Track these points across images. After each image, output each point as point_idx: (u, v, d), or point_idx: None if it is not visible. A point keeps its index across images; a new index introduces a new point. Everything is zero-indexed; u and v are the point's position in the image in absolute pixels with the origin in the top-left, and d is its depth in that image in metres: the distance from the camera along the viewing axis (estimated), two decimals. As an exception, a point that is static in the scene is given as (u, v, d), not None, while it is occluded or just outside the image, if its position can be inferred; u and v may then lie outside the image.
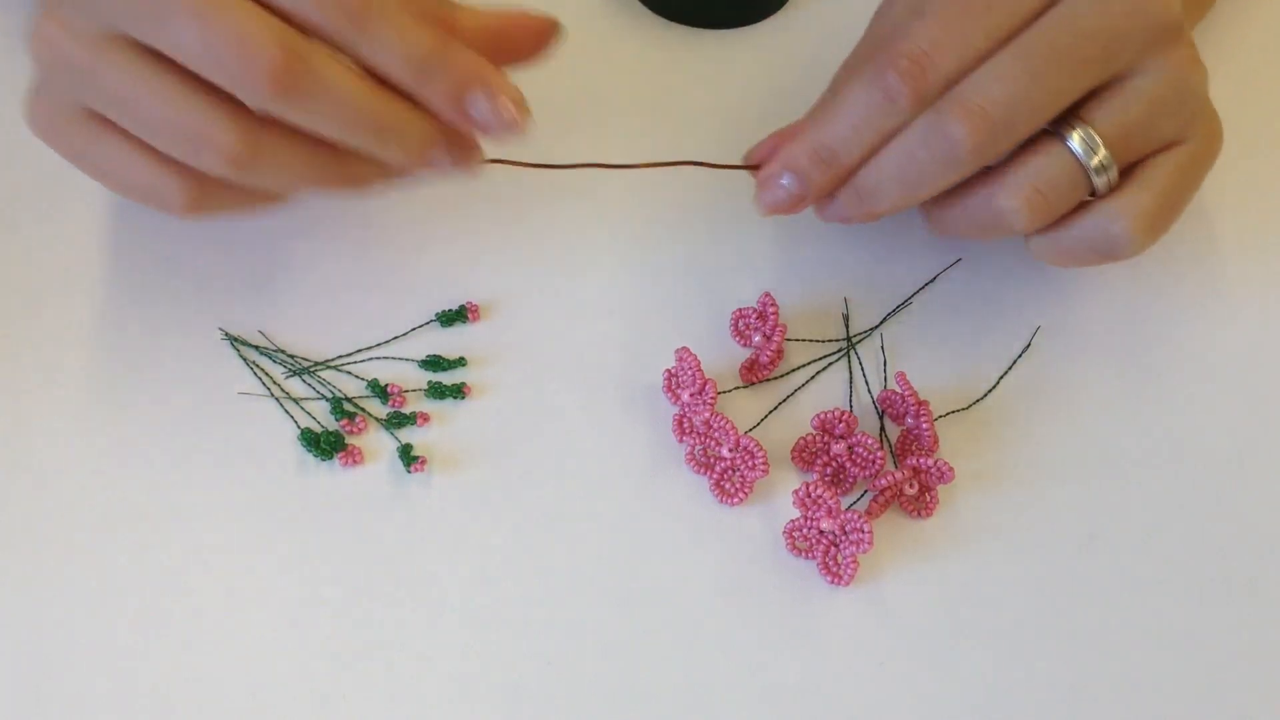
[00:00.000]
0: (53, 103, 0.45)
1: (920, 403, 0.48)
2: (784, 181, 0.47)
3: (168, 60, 0.42)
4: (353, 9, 0.42)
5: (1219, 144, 0.47)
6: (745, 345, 0.51)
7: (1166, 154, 0.46)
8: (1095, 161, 0.45)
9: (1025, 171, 0.45)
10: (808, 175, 0.46)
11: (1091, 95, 0.45)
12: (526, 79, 0.55)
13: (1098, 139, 0.44)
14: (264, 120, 0.43)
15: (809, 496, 0.46)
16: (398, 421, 0.49)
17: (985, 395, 0.50)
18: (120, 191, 0.46)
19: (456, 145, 0.45)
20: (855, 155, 0.45)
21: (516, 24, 0.46)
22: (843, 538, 0.46)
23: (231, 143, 0.43)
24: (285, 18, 0.42)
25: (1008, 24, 0.44)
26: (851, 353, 0.51)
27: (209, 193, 0.45)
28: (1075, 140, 0.44)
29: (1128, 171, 0.45)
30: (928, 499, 0.48)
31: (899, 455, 0.49)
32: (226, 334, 0.50)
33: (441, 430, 0.49)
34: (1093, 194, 0.46)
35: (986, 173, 0.45)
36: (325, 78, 0.42)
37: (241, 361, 0.50)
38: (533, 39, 0.47)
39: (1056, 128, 0.45)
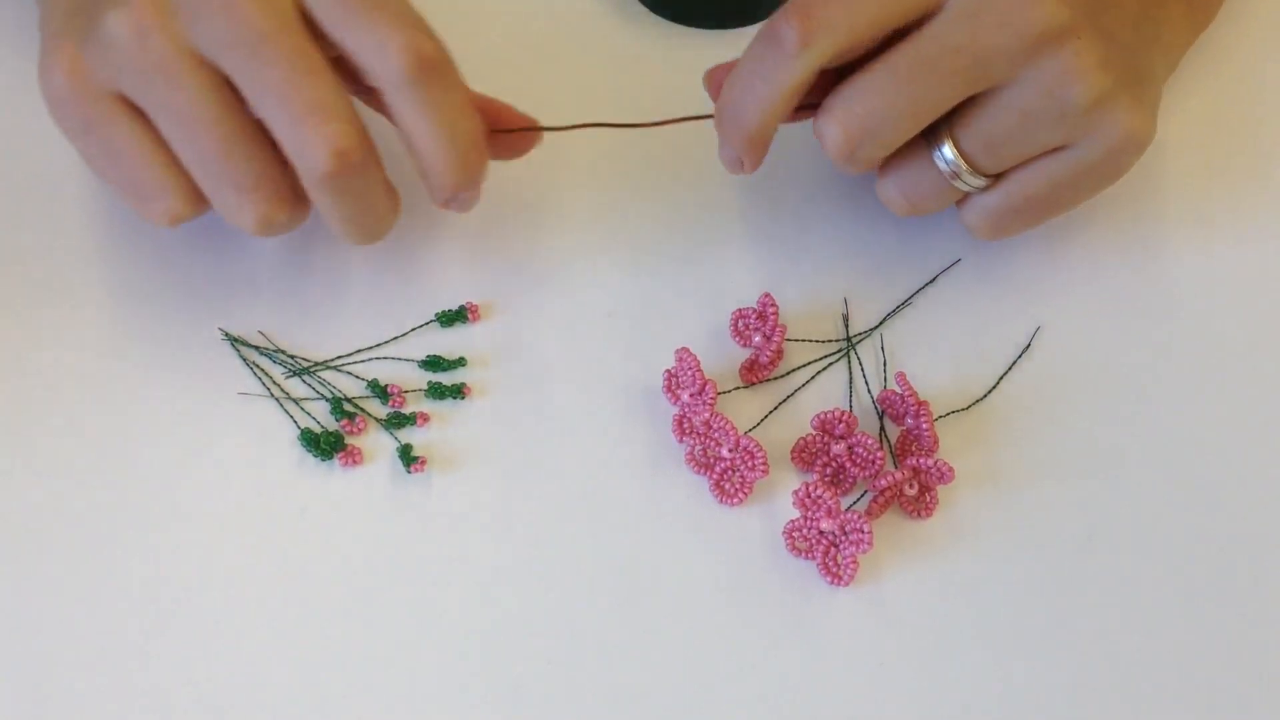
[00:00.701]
0: (93, 76, 0.44)
1: (920, 403, 0.48)
2: (724, 153, 0.48)
3: (239, 101, 0.43)
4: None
5: (1127, 146, 0.46)
6: (745, 345, 0.51)
7: (1040, 161, 0.47)
8: (961, 178, 0.47)
9: (896, 171, 0.48)
10: (728, 138, 0.47)
11: (969, 102, 0.46)
12: (527, 79, 0.55)
13: (953, 152, 0.47)
14: (301, 196, 0.45)
15: (809, 497, 0.46)
16: (398, 422, 0.49)
17: (985, 395, 0.50)
18: (113, 181, 0.46)
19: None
20: (756, 113, 0.46)
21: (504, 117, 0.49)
22: (843, 538, 0.46)
23: (269, 204, 0.45)
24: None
25: (896, 9, 0.44)
26: (851, 353, 0.51)
27: (193, 216, 0.46)
28: (942, 153, 0.47)
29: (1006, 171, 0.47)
30: (928, 499, 0.48)
31: (899, 455, 0.49)
32: (226, 334, 0.50)
33: (441, 430, 0.49)
34: (965, 193, 0.48)
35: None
36: (370, 178, 0.44)
37: (241, 362, 0.50)
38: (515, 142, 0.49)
39: (929, 137, 0.47)
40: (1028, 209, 0.48)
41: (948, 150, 0.46)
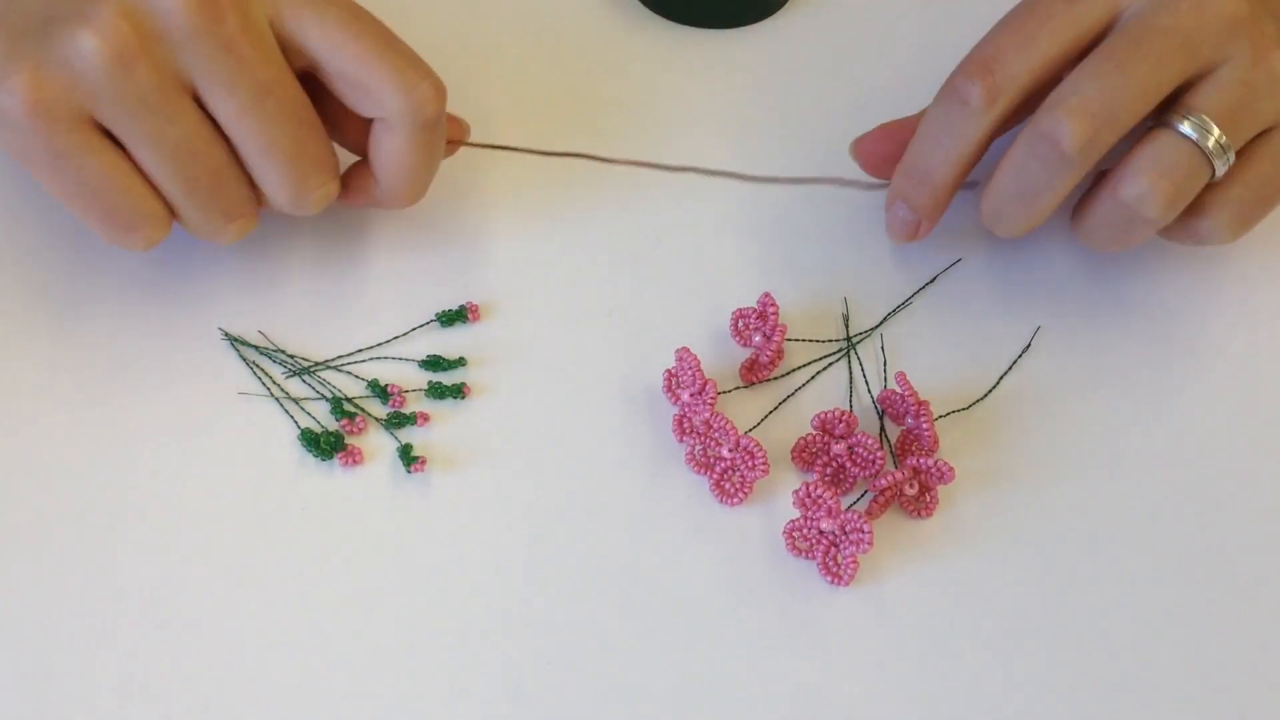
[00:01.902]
0: (64, 99, 0.42)
1: (920, 403, 0.48)
2: (899, 211, 0.50)
3: (221, 133, 0.45)
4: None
5: None
6: (745, 345, 0.51)
7: (1263, 140, 0.47)
8: (1211, 143, 0.45)
9: (1143, 159, 0.45)
10: (914, 200, 0.49)
11: (1185, 88, 0.46)
12: (527, 77, 0.55)
13: (1208, 120, 0.45)
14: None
15: (809, 496, 0.46)
16: (398, 421, 0.49)
17: (985, 395, 0.50)
18: (84, 211, 0.45)
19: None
20: (948, 171, 0.47)
21: None
22: (843, 538, 0.46)
23: (243, 228, 0.47)
24: None
25: (1071, 30, 0.45)
26: (851, 353, 0.51)
27: (163, 236, 0.47)
28: (1186, 126, 0.45)
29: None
30: (928, 499, 0.48)
31: (899, 455, 0.49)
32: (226, 334, 0.50)
33: (441, 430, 0.49)
34: (1212, 177, 0.46)
35: (1106, 175, 0.47)
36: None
37: (241, 362, 0.50)
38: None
39: (1163, 119, 0.46)
40: (1267, 193, 0.47)
41: (1200, 119, 0.45)
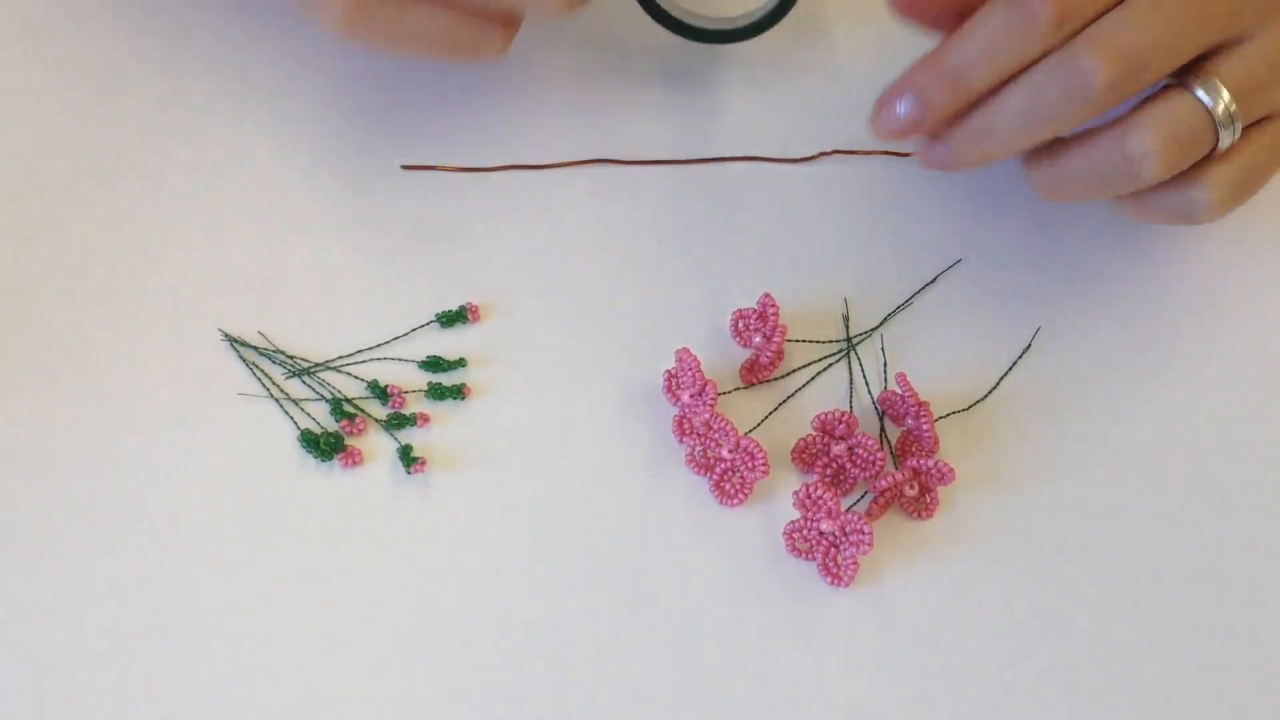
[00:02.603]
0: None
1: (920, 403, 0.48)
2: (902, 103, 0.45)
3: None
4: None
5: None
6: (745, 346, 0.51)
7: (1266, 125, 0.46)
8: (1221, 110, 0.44)
9: (1156, 116, 0.44)
10: (929, 96, 0.45)
11: (1212, 53, 0.45)
12: (527, 74, 0.55)
13: (1223, 89, 0.44)
14: None
15: (809, 497, 0.46)
16: (398, 422, 0.49)
17: (986, 396, 0.50)
18: (440, 54, 0.49)
19: None
20: (985, 80, 0.44)
21: None
22: (843, 539, 0.46)
23: None
24: None
25: None
26: (851, 353, 0.51)
27: (516, 27, 0.49)
28: (1201, 90, 0.44)
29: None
30: (928, 500, 0.48)
31: (899, 456, 0.49)
32: (226, 335, 0.50)
33: (441, 431, 0.49)
34: (1214, 149, 0.45)
35: (1109, 122, 0.45)
36: None
37: (241, 362, 0.50)
38: None
39: (1181, 79, 0.45)
40: (1258, 176, 0.47)
41: (1216, 87, 0.44)
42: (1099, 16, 0.43)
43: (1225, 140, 0.45)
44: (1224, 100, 0.44)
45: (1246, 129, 0.45)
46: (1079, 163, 0.46)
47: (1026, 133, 0.45)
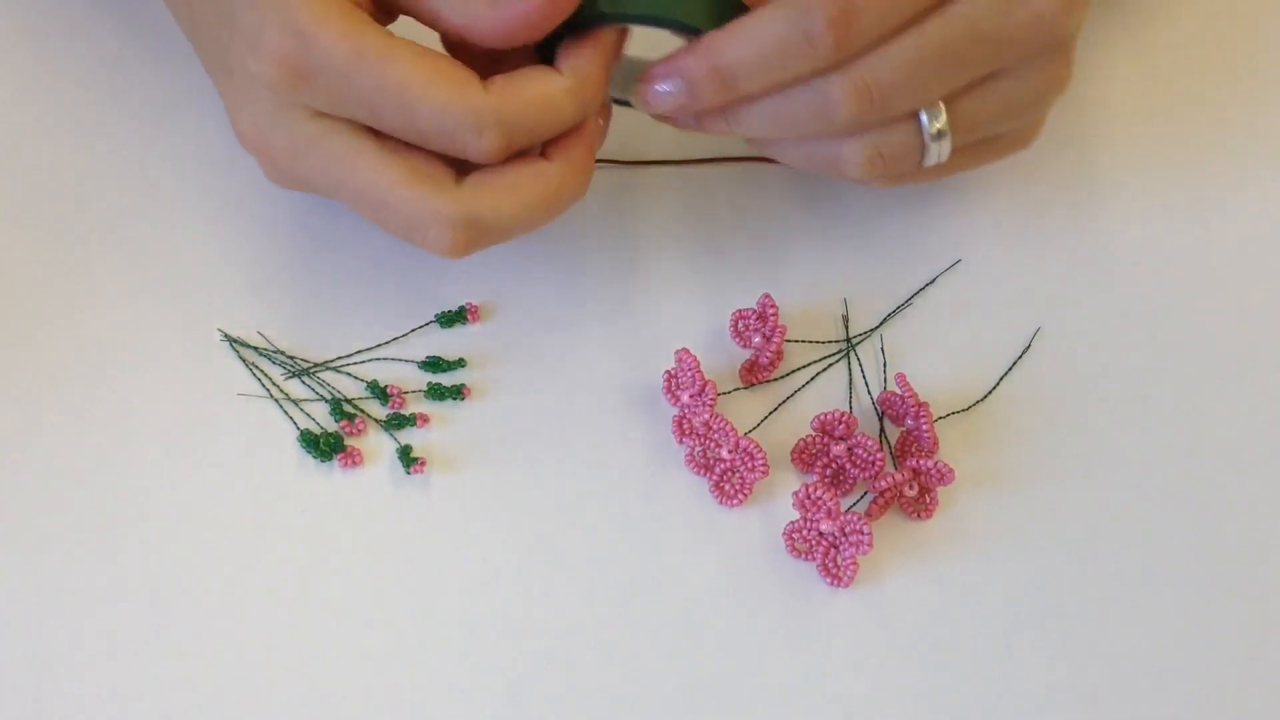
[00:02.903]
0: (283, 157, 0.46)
1: (920, 404, 0.48)
2: (668, 87, 0.45)
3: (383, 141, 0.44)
4: (493, 154, 0.44)
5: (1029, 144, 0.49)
6: (745, 346, 0.51)
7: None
8: (935, 129, 0.45)
9: (873, 135, 0.45)
10: (698, 89, 0.44)
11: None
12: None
13: (944, 119, 0.45)
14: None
15: (809, 498, 0.46)
16: (397, 423, 0.49)
17: (985, 396, 0.50)
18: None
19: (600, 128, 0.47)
20: (754, 88, 0.44)
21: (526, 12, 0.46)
22: (842, 539, 0.46)
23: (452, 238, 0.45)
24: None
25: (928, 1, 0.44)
26: (851, 354, 0.51)
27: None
28: (925, 116, 0.45)
29: None
30: (928, 500, 0.48)
31: (899, 457, 0.49)
32: (226, 335, 0.50)
33: (441, 431, 0.49)
34: (920, 163, 0.47)
35: None
36: (496, 223, 0.45)
37: (241, 362, 0.50)
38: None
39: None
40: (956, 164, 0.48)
41: (941, 119, 0.45)
42: (882, 41, 0.44)
43: (932, 157, 0.46)
44: (939, 121, 0.45)
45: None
46: (798, 147, 0.47)
47: (771, 132, 0.46)
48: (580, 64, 0.44)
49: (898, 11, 0.43)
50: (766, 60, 0.43)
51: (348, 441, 0.49)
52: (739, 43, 0.43)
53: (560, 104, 0.44)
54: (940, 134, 0.46)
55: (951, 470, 0.47)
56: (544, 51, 0.45)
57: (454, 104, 0.42)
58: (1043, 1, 0.44)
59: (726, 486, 0.48)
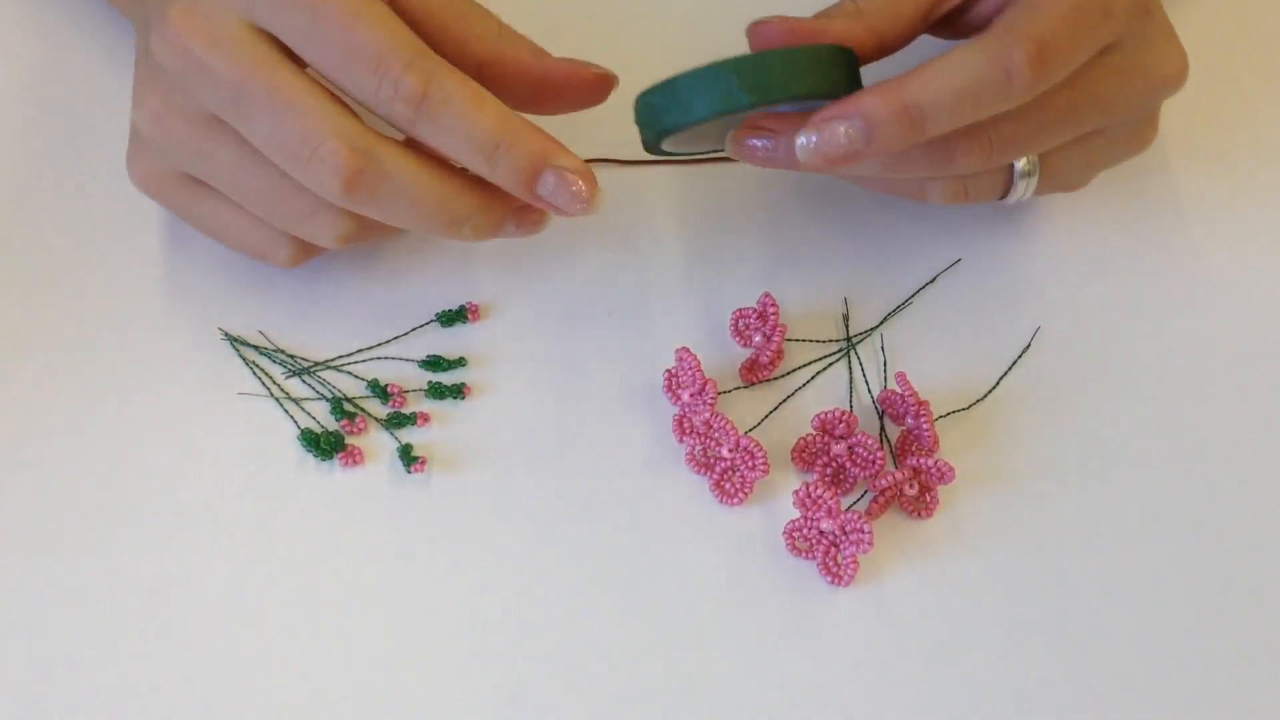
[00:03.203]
0: (156, 165, 0.47)
1: (920, 403, 0.48)
2: (847, 129, 0.42)
3: None
4: (414, 98, 0.42)
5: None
6: (745, 345, 0.51)
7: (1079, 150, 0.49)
8: (1023, 170, 0.47)
9: (967, 174, 0.47)
10: (882, 131, 0.42)
11: None
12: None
13: (1035, 163, 0.47)
14: None
15: (809, 497, 0.46)
16: (398, 421, 0.49)
17: (985, 395, 0.50)
18: (231, 246, 0.48)
19: (526, 214, 0.46)
20: (943, 128, 0.42)
21: (573, 75, 0.46)
22: (843, 538, 0.46)
23: (333, 223, 0.45)
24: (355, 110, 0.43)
25: (1095, 48, 0.45)
26: (851, 353, 0.51)
27: (315, 250, 0.48)
28: (1020, 162, 0.47)
29: None
30: (928, 499, 0.48)
31: (899, 455, 0.49)
32: (226, 334, 0.50)
33: (441, 430, 0.49)
34: (1003, 198, 0.48)
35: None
36: (394, 175, 0.43)
37: (241, 361, 0.50)
38: (590, 91, 0.47)
39: None
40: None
41: (1034, 164, 0.47)
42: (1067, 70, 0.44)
43: (1016, 195, 0.48)
44: (1030, 166, 0.47)
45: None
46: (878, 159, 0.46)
47: (883, 171, 0.46)
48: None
49: (1076, 57, 0.44)
50: (960, 98, 0.42)
51: (348, 440, 0.49)
52: (930, 81, 0.42)
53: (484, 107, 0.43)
54: (1028, 173, 0.47)
55: (952, 469, 0.47)
56: None
57: (390, 32, 0.42)
58: (1159, 75, 0.46)
59: (727, 485, 0.48)
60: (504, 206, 0.45)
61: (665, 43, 0.57)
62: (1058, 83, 0.44)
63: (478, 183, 0.44)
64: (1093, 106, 0.45)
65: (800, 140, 0.43)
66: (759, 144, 0.45)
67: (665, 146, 0.47)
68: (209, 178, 0.46)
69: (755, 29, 0.45)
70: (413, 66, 0.42)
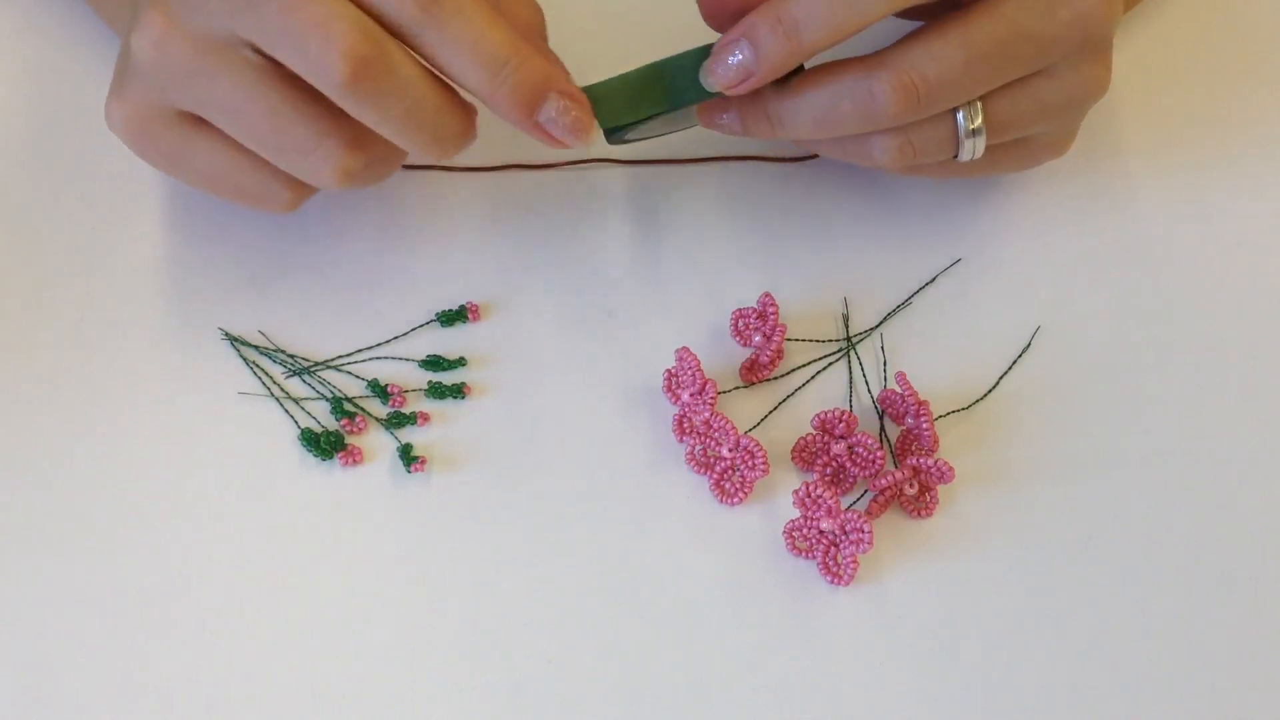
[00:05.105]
0: (147, 104, 0.45)
1: (920, 402, 0.48)
2: (738, 51, 0.44)
3: (277, 69, 0.42)
4: (427, 3, 0.41)
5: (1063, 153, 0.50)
6: (745, 345, 0.51)
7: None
8: (971, 127, 0.46)
9: (908, 128, 0.46)
10: (764, 48, 0.44)
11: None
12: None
13: (981, 117, 0.46)
14: (370, 133, 0.44)
15: (809, 496, 0.46)
16: (398, 421, 0.49)
17: (985, 395, 0.50)
18: (222, 195, 0.47)
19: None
20: (822, 35, 0.43)
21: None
22: (843, 538, 0.46)
23: (339, 157, 0.44)
24: (363, 9, 0.42)
25: None
26: (851, 353, 0.51)
27: (311, 191, 0.47)
28: (961, 113, 0.46)
29: None
30: (928, 499, 0.48)
31: (899, 455, 0.49)
32: (226, 334, 0.50)
33: (441, 430, 0.49)
34: (953, 158, 0.47)
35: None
36: (399, 72, 0.42)
37: (241, 361, 0.50)
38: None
39: None
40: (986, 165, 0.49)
41: (978, 117, 0.46)
42: (919, 30, 0.44)
43: (965, 153, 0.47)
44: (976, 121, 0.46)
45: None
46: (824, 113, 0.46)
47: (816, 131, 0.46)
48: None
49: None
50: (832, 5, 0.43)
51: (348, 440, 0.49)
52: None
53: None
54: (976, 131, 0.46)
55: (951, 469, 0.47)
56: None
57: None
58: (1085, 2, 0.45)
59: (727, 485, 0.48)
60: (471, 122, 0.45)
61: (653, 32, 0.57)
62: (979, 21, 0.44)
63: (465, 104, 0.44)
64: (1019, 41, 0.44)
65: (702, 77, 0.45)
66: (725, 119, 0.47)
67: (628, 138, 0.48)
68: (207, 108, 0.44)
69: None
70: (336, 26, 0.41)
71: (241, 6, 0.42)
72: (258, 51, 0.42)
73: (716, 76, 0.45)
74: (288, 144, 0.44)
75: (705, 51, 0.46)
